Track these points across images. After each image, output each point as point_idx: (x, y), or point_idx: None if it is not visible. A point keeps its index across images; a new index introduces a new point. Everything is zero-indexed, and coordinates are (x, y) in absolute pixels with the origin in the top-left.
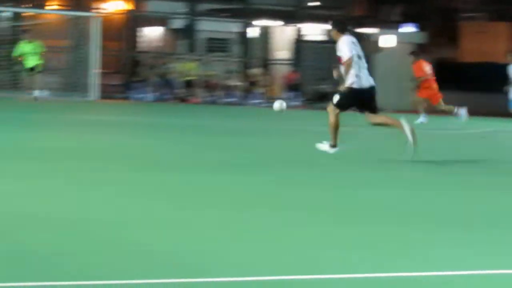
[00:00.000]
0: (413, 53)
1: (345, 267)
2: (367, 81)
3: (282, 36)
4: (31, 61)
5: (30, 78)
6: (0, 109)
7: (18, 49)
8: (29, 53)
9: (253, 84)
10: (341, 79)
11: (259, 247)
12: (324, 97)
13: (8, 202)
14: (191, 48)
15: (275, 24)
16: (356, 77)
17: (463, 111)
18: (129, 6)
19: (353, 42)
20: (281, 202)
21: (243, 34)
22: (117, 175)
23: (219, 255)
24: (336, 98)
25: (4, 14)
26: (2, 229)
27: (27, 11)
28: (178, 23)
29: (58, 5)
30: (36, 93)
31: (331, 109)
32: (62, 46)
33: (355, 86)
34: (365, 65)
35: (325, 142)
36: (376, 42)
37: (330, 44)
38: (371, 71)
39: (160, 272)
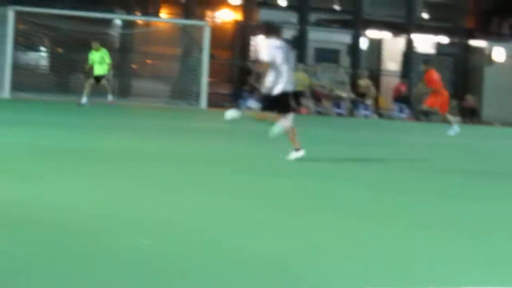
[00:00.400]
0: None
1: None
2: (290, 85)
3: (392, 47)
4: (99, 69)
5: (98, 85)
6: (107, 115)
7: (89, 57)
8: (97, 61)
9: (361, 95)
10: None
11: (370, 257)
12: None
13: (117, 205)
14: (301, 58)
15: (385, 36)
16: (274, 82)
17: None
18: (240, 15)
19: (277, 47)
20: (404, 214)
21: (353, 44)
22: (226, 180)
23: (334, 266)
24: (262, 105)
25: (116, 21)
26: (103, 232)
27: (139, 19)
28: (288, 33)
29: (169, 13)
30: (110, 97)
31: (282, 123)
32: (172, 54)
33: (281, 90)
34: (288, 69)
35: (291, 151)
36: (488, 54)
37: (440, 56)
38: (477, 83)
39: (266, 280)
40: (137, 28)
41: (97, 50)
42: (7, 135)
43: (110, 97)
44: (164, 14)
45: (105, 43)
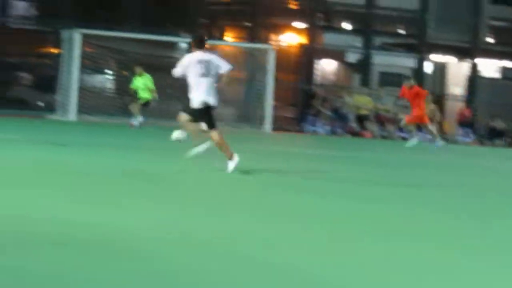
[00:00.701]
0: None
1: None
2: (209, 98)
3: (457, 71)
4: (143, 94)
5: (138, 107)
6: (162, 138)
7: (133, 82)
8: (140, 87)
9: None
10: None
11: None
12: (498, 134)
13: (185, 228)
14: (365, 82)
15: (450, 60)
16: (197, 95)
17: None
18: (304, 39)
19: (198, 61)
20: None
21: (417, 68)
22: (290, 203)
23: None
24: (209, 122)
25: (181, 44)
26: (176, 256)
27: None
28: (353, 57)
29: (234, 36)
30: (138, 119)
31: (212, 134)
32: (237, 77)
33: (198, 105)
34: (211, 82)
35: (228, 162)
36: None
37: (506, 80)
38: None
39: None
40: None
41: (140, 75)
42: (75, 156)
43: (136, 120)
44: (229, 37)
45: (170, 66)
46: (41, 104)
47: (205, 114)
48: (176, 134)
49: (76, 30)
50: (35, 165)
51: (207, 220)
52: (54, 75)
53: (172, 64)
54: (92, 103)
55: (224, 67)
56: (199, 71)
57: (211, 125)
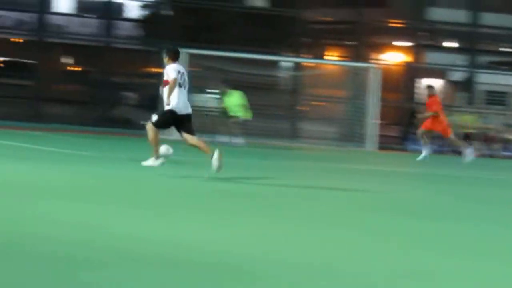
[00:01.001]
0: (429, 87)
1: None
2: (185, 108)
3: None
4: (236, 111)
5: (232, 125)
6: (264, 157)
7: (225, 99)
8: (234, 104)
9: None
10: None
11: None
12: None
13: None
14: (470, 101)
15: None
16: (178, 103)
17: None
18: (408, 58)
19: (179, 71)
20: None
21: None
22: (398, 225)
23: None
24: (154, 118)
25: (284, 64)
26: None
27: (307, 62)
28: (457, 75)
29: (338, 55)
30: (234, 139)
31: (149, 127)
32: (340, 96)
33: (175, 109)
34: (185, 93)
35: (149, 159)
36: None
37: None
38: None
39: None
40: (305, 70)
41: (231, 93)
42: (176, 174)
43: (236, 139)
44: (332, 56)
45: (274, 85)
46: (145, 123)
47: (188, 121)
48: (162, 150)
49: (182, 50)
50: (137, 183)
51: (322, 239)
52: (157, 94)
53: (275, 83)
54: (195, 122)
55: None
56: (179, 81)
57: (192, 132)
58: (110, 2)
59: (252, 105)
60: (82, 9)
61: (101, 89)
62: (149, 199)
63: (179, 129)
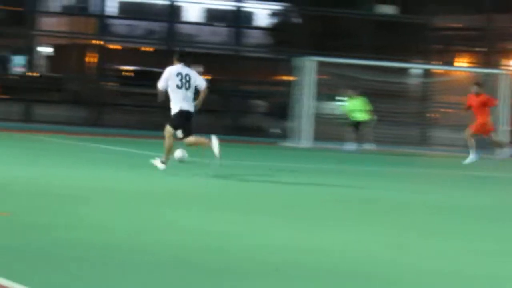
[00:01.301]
0: (477, 84)
1: None
2: (188, 107)
3: None
4: (359, 116)
5: (356, 132)
6: (394, 164)
7: (347, 104)
8: (356, 109)
9: None
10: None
11: None
12: None
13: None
14: None
15: None
16: (177, 104)
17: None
18: None
19: (177, 73)
20: None
21: None
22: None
23: None
24: (169, 123)
25: (414, 71)
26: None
27: (436, 68)
28: None
29: (468, 62)
30: (367, 145)
31: (167, 132)
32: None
33: (180, 109)
34: (189, 94)
35: (157, 158)
36: None
37: None
38: None
39: None
40: (434, 77)
41: (354, 97)
42: (304, 182)
43: (368, 145)
44: (462, 62)
45: (403, 92)
46: (275, 131)
47: (185, 120)
48: (177, 154)
49: (308, 57)
50: (269, 191)
51: (455, 249)
52: (287, 102)
53: (405, 90)
54: (325, 130)
55: (202, 84)
56: (177, 83)
57: (188, 132)
58: (239, 11)
59: (382, 112)
60: (212, 18)
61: (230, 97)
62: (283, 208)
63: (183, 129)
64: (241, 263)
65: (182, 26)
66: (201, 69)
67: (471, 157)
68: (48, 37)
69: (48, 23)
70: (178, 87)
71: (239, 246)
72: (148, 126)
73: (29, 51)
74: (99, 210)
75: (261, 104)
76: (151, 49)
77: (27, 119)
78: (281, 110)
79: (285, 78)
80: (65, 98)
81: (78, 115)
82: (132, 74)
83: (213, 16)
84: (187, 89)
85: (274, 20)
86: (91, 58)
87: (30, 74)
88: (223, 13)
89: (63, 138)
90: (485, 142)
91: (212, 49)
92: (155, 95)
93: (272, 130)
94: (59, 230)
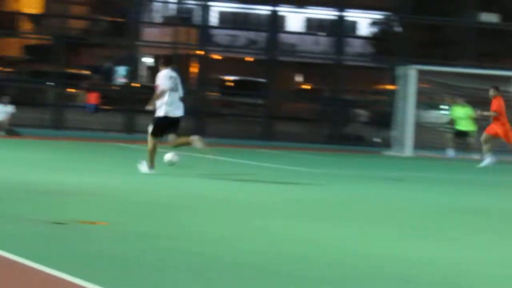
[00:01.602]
0: (495, 88)
1: None
2: (177, 110)
3: None
4: (463, 125)
5: (461, 141)
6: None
7: (452, 112)
8: (461, 117)
9: None
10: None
11: None
12: None
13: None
14: None
15: None
16: (169, 106)
17: None
18: None
19: (171, 77)
20: None
21: None
22: None
23: None
24: (150, 128)
25: None
26: None
27: None
28: None
29: None
30: (450, 152)
31: (149, 139)
32: None
33: (166, 114)
34: (178, 96)
35: (143, 162)
36: None
37: None
38: None
39: None
40: None
41: (460, 105)
42: (409, 191)
43: (451, 153)
44: None
45: (509, 100)
46: (377, 140)
47: (176, 123)
48: (169, 157)
49: (411, 66)
50: (370, 200)
51: None
52: (389, 111)
53: (509, 99)
54: (428, 138)
55: (181, 92)
56: (171, 86)
57: (176, 133)
58: (341, 20)
59: (485, 122)
60: (313, 27)
61: (332, 106)
62: (383, 217)
63: (171, 132)
64: (355, 272)
65: (283, 35)
66: (300, 78)
67: (487, 160)
68: (151, 47)
69: (150, 33)
70: (172, 90)
71: (352, 255)
72: (249, 136)
73: (131, 62)
74: (199, 219)
75: (362, 113)
76: (252, 59)
77: (129, 130)
78: (383, 119)
79: (387, 87)
80: None
81: (180, 125)
82: (233, 83)
83: (314, 25)
84: (177, 91)
85: (376, 29)
86: (193, 68)
87: (132, 84)
88: (324, 22)
89: (164, 148)
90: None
91: (313, 58)
92: (256, 104)
93: (374, 139)
94: (157, 239)
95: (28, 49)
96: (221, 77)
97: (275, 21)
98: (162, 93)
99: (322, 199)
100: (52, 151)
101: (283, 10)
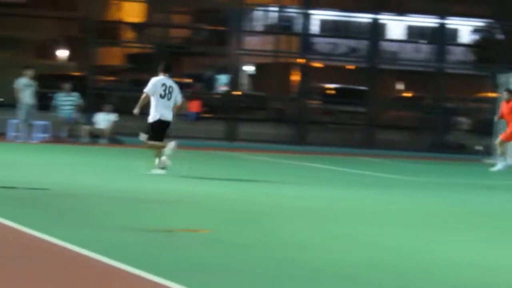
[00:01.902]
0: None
1: None
2: (167, 116)
3: None
4: None
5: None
6: None
7: None
8: None
9: None
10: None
11: None
12: None
13: None
14: None
15: None
16: (160, 111)
17: None
18: None
19: (163, 84)
20: None
21: None
22: None
23: None
24: (144, 136)
25: None
26: None
27: None
28: None
29: None
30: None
31: (148, 146)
32: None
33: (159, 117)
34: (170, 104)
35: (156, 169)
36: None
37: None
38: None
39: None
40: None
41: None
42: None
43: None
44: None
45: None
46: (479, 148)
47: (162, 129)
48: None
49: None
50: (468, 209)
51: None
52: (491, 119)
53: None
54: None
55: (179, 99)
56: (161, 93)
57: (160, 139)
58: (442, 28)
59: None
60: (414, 35)
61: (433, 114)
62: (483, 225)
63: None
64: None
65: (384, 43)
66: (401, 86)
67: (499, 165)
68: (251, 56)
69: (251, 42)
70: (161, 96)
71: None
72: (350, 144)
73: (232, 70)
74: (301, 229)
75: (463, 121)
76: (352, 67)
77: (230, 138)
78: (484, 126)
79: (488, 94)
80: (268, 116)
81: (281, 133)
82: (334, 92)
83: (415, 33)
84: (168, 99)
85: (477, 36)
86: (294, 76)
87: (233, 93)
88: (425, 30)
89: (266, 156)
90: None
91: (414, 66)
92: (357, 112)
93: (475, 147)
94: (256, 248)
95: (130, 58)
96: (322, 85)
97: (376, 29)
98: (145, 97)
99: (420, 207)
100: (153, 159)
101: (384, 18)
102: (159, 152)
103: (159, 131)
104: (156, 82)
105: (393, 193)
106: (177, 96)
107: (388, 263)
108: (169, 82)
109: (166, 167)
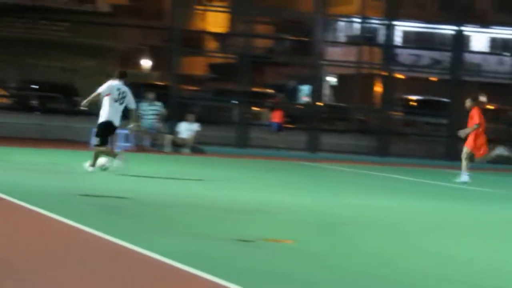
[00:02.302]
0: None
1: None
2: (116, 119)
3: None
4: None
5: None
6: None
7: None
8: None
9: None
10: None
11: None
12: None
13: None
14: None
15: None
16: (108, 114)
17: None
18: None
19: (118, 88)
20: None
21: None
22: None
23: None
24: (95, 140)
25: None
26: None
27: None
28: None
29: None
30: None
31: (97, 150)
32: None
33: (107, 119)
34: (121, 108)
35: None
36: None
37: None
38: None
39: None
40: None
41: None
42: None
43: None
44: None
45: None
46: None
47: (109, 131)
48: (102, 162)
49: None
50: None
51: None
52: None
53: None
54: None
55: (132, 104)
56: (115, 97)
57: (105, 142)
58: None
59: None
60: (498, 47)
61: None
62: None
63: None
64: None
65: (467, 55)
66: (484, 98)
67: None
68: (334, 67)
69: (334, 52)
70: (115, 100)
71: None
72: (433, 155)
73: (315, 81)
74: (381, 240)
75: None
76: (435, 79)
77: (312, 148)
78: None
79: None
80: (350, 127)
81: (363, 144)
82: (417, 103)
83: (499, 45)
84: (121, 104)
85: None
86: (377, 88)
87: (316, 103)
88: (508, 42)
89: (348, 167)
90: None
91: (497, 78)
92: (439, 124)
93: None
94: (335, 258)
95: (213, 67)
96: (405, 96)
97: (460, 41)
98: (97, 95)
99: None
100: (236, 169)
101: (468, 30)
102: (106, 154)
103: (105, 132)
104: (112, 86)
105: (476, 205)
106: (129, 101)
107: (465, 280)
108: (124, 88)
109: (102, 167)
